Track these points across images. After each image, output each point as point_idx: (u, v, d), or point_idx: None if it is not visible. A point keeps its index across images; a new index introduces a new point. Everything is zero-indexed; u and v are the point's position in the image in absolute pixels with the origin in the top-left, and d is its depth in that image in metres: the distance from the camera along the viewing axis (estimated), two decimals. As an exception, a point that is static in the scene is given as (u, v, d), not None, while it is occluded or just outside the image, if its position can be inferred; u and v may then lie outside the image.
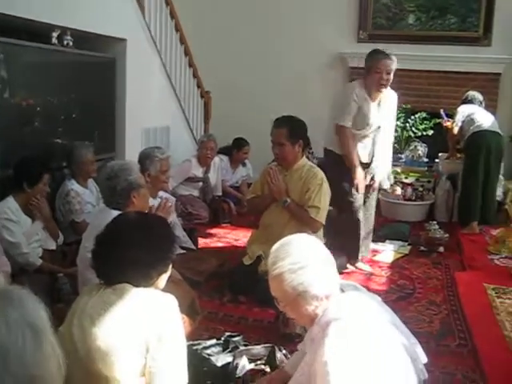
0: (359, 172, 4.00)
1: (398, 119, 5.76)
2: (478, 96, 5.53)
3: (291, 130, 3.57)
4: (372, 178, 4.19)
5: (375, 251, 4.75)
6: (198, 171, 5.70)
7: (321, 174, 3.65)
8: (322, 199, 3.58)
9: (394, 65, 3.83)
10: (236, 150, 6.29)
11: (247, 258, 3.76)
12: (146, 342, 1.57)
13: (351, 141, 3.96)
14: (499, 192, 5.94)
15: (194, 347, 2.59)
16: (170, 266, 1.80)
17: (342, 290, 1.84)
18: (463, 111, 5.42)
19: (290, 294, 1.74)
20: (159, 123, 5.86)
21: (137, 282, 1.66)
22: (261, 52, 7.27)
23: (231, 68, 7.31)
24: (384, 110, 4.03)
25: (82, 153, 3.99)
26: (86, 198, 3.96)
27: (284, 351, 2.52)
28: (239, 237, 5.14)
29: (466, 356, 2.93)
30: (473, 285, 3.40)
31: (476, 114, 5.33)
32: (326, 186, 3.62)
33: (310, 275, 1.73)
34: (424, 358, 1.88)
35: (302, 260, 1.74)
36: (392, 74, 3.83)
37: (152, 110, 5.63)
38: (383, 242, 5.02)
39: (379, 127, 4.06)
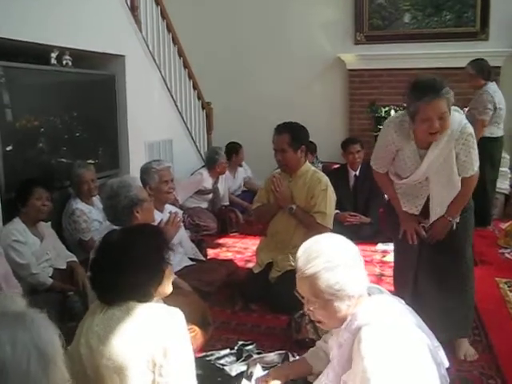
0: (405, 218, 2.94)
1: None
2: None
3: (293, 135, 3.56)
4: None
5: (385, 252, 4.73)
6: (209, 183, 5.76)
7: (325, 178, 3.64)
8: (328, 204, 3.57)
9: (447, 104, 2.55)
10: (235, 155, 6.36)
11: (257, 266, 3.76)
12: (152, 357, 1.57)
13: (385, 184, 3.02)
14: (506, 185, 5.93)
15: (208, 358, 2.59)
16: (170, 271, 1.78)
17: (368, 294, 1.82)
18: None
19: (325, 293, 1.71)
20: (162, 137, 5.88)
21: (137, 300, 1.66)
22: (259, 59, 7.31)
23: (231, 78, 7.35)
24: (435, 155, 2.70)
25: (81, 172, 4.01)
26: (92, 215, 3.97)
27: (297, 357, 2.51)
28: (248, 245, 5.14)
29: (482, 352, 2.90)
30: (484, 279, 3.38)
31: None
32: (330, 190, 3.61)
33: (345, 274, 1.70)
34: (446, 363, 1.86)
35: (336, 258, 1.72)
36: (449, 117, 2.57)
37: (154, 124, 5.66)
38: (392, 241, 4.99)
39: (427, 178, 2.81)
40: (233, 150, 6.39)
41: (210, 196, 5.83)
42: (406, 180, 2.83)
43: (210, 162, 5.79)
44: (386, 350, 1.62)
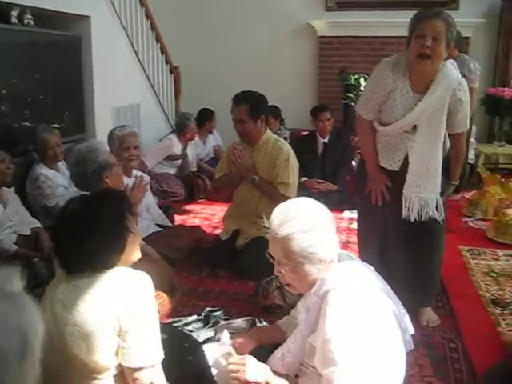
0: (374, 176, 2.85)
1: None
2: None
3: (252, 106, 3.49)
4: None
5: (351, 219, 4.78)
6: (178, 149, 5.71)
7: (286, 147, 3.60)
8: (291, 174, 3.54)
9: (444, 28, 2.52)
10: (208, 122, 6.31)
11: (224, 233, 3.76)
12: (118, 322, 1.55)
13: (367, 134, 2.86)
14: (472, 155, 6.02)
15: (175, 324, 2.59)
16: (134, 238, 1.75)
17: (339, 260, 1.83)
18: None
19: (298, 255, 1.71)
20: (129, 101, 5.77)
21: (100, 268, 1.64)
22: (228, 24, 7.20)
23: (198, 42, 7.23)
24: (431, 102, 2.62)
25: (45, 136, 3.89)
26: (57, 181, 3.88)
27: (264, 323, 2.53)
28: (215, 211, 5.13)
29: (444, 317, 2.98)
30: (448, 247, 3.43)
31: None
32: (292, 160, 3.57)
33: (319, 237, 1.70)
34: (411, 329, 1.90)
35: (312, 221, 1.71)
36: (443, 44, 2.52)
37: (121, 87, 5.54)
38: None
39: (415, 127, 2.69)
40: (206, 116, 6.32)
41: (179, 162, 5.79)
42: (392, 126, 2.70)
43: (180, 128, 5.72)
44: (350, 313, 1.64)
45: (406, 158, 2.75)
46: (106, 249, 1.64)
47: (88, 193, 2.48)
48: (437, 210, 2.74)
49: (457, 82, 2.65)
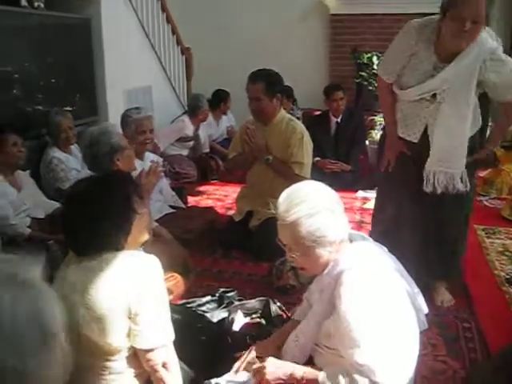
0: (390, 141, 2.78)
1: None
2: None
3: (268, 83, 3.46)
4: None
5: (365, 199, 4.76)
6: (190, 130, 5.70)
7: (300, 126, 3.59)
8: (305, 154, 3.52)
9: (486, 6, 2.30)
10: (223, 103, 6.30)
11: (237, 214, 3.77)
12: (128, 305, 1.57)
13: (386, 97, 2.76)
14: (487, 134, 5.94)
15: (189, 305, 2.61)
16: (142, 220, 1.75)
17: (351, 241, 1.83)
18: None
19: (307, 239, 1.71)
20: (141, 83, 5.76)
21: (107, 249, 1.65)
22: (239, 3, 7.12)
23: (209, 22, 7.17)
24: (455, 72, 2.45)
25: (58, 120, 3.91)
26: (70, 164, 3.90)
27: (278, 304, 2.54)
28: (228, 192, 5.14)
29: (458, 296, 2.97)
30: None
31: None
32: (306, 139, 3.55)
33: (327, 220, 1.70)
34: (425, 309, 1.90)
35: (318, 205, 1.71)
36: (482, 27, 2.34)
37: (132, 70, 5.52)
38: (373, 189, 5.01)
39: (434, 95, 2.53)
40: (221, 97, 6.32)
41: (191, 143, 5.79)
42: (410, 91, 2.56)
43: (193, 109, 5.71)
44: (365, 293, 1.65)
45: (426, 130, 2.62)
46: (113, 230, 1.65)
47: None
48: (461, 182, 2.62)
49: (489, 52, 2.44)
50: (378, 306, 1.65)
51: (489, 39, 2.46)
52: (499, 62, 2.47)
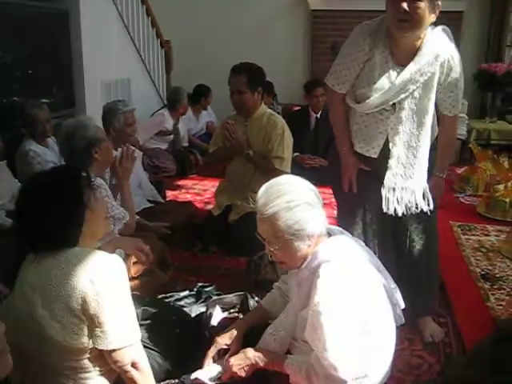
0: (347, 159, 2.47)
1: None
2: None
3: (251, 77, 3.46)
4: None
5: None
6: (170, 124, 5.68)
7: (281, 121, 3.59)
8: (286, 149, 3.53)
9: None
10: (204, 98, 6.30)
11: (216, 209, 3.75)
12: (83, 301, 1.54)
13: (338, 110, 2.46)
14: (463, 131, 6.02)
15: (167, 300, 2.60)
16: (96, 214, 1.74)
17: (329, 235, 1.84)
18: None
19: (285, 233, 1.71)
20: (119, 76, 5.71)
21: (60, 244, 1.63)
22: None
23: (189, 16, 7.13)
24: (413, 74, 2.21)
25: (34, 112, 3.84)
26: (46, 157, 3.83)
27: (256, 298, 2.53)
28: (207, 187, 5.13)
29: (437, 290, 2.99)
30: (440, 223, 3.44)
31: None
32: (287, 133, 3.56)
33: (305, 213, 1.71)
34: (402, 304, 1.92)
35: (296, 198, 1.71)
36: (424, 5, 2.08)
37: (111, 62, 5.47)
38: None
39: (394, 105, 2.29)
40: (202, 92, 6.33)
41: (171, 137, 5.77)
42: (369, 101, 2.27)
43: (173, 103, 5.68)
44: (341, 286, 1.67)
45: (387, 144, 2.35)
46: (64, 226, 1.63)
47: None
48: (424, 199, 2.36)
49: (448, 54, 2.24)
50: (353, 300, 1.67)
51: (445, 38, 2.25)
52: (456, 66, 2.27)
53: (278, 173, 3.33)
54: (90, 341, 1.58)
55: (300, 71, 7.10)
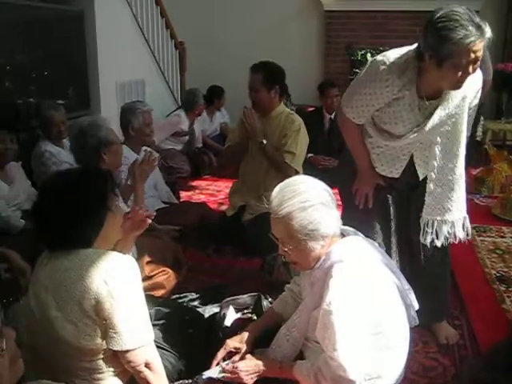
0: (366, 176, 2.40)
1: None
2: None
3: (266, 75, 3.49)
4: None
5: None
6: (185, 125, 5.71)
7: (298, 120, 3.59)
8: (299, 145, 3.53)
9: (484, 45, 1.96)
10: (218, 99, 6.31)
11: (230, 209, 3.76)
12: (96, 302, 1.54)
13: (356, 137, 2.38)
14: (479, 132, 5.96)
15: (181, 300, 2.60)
16: (115, 217, 1.74)
17: (343, 235, 1.84)
18: None
19: (299, 233, 1.72)
20: (134, 77, 5.74)
21: (76, 244, 1.63)
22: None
23: (203, 18, 7.15)
24: (447, 110, 2.15)
25: (50, 114, 3.87)
26: (62, 157, 3.86)
27: (270, 299, 2.52)
28: (221, 188, 5.14)
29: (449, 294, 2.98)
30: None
31: None
32: (303, 132, 3.57)
33: (319, 214, 1.71)
34: (416, 305, 1.91)
35: (310, 198, 1.72)
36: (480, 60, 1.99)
37: (126, 63, 5.50)
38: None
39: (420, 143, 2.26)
40: (216, 94, 6.36)
41: (186, 138, 5.80)
42: (400, 141, 2.21)
43: (189, 104, 5.71)
44: (353, 285, 1.67)
45: (411, 162, 2.33)
46: (84, 226, 1.64)
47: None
48: (463, 230, 2.31)
49: (476, 90, 2.20)
50: (365, 300, 1.67)
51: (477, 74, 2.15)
52: (480, 91, 2.23)
53: (287, 167, 3.38)
54: (104, 341, 1.58)
55: (314, 72, 7.08)
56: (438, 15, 1.94)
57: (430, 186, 2.27)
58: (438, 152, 2.23)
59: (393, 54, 2.15)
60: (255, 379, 1.86)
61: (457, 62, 1.93)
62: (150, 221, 2.15)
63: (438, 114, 2.14)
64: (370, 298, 1.68)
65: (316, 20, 7.08)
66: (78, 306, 1.55)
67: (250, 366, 1.86)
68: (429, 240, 2.31)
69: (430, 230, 2.30)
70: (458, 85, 2.04)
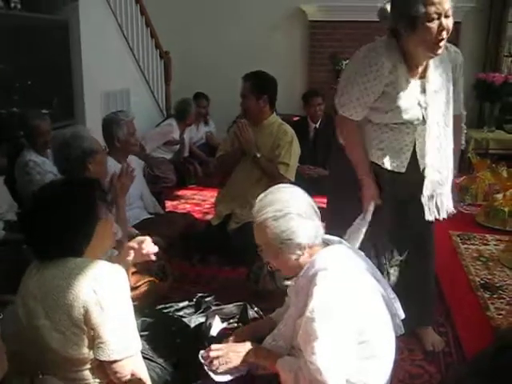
0: (371, 187, 2.35)
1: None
2: None
3: (256, 83, 3.56)
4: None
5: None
6: (177, 134, 5.73)
7: (290, 130, 3.65)
8: (292, 156, 3.59)
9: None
10: (195, 105, 6.30)
11: (215, 218, 3.75)
12: (85, 311, 1.53)
13: (355, 136, 2.37)
14: (462, 141, 6.01)
15: (166, 310, 2.59)
16: (106, 226, 1.73)
17: (327, 244, 1.85)
18: None
19: (274, 241, 1.74)
20: (119, 86, 5.73)
21: (67, 253, 1.63)
22: (218, 9, 7.12)
23: (188, 27, 7.16)
24: (434, 86, 2.23)
25: (36, 124, 3.85)
26: (46, 167, 3.83)
27: (256, 309, 2.52)
28: (206, 197, 5.14)
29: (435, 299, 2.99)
30: (438, 232, 3.45)
31: None
32: (295, 143, 3.62)
33: (293, 223, 1.72)
34: (402, 314, 1.92)
35: (285, 208, 1.73)
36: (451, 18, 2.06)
37: (110, 73, 5.49)
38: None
39: (421, 119, 2.27)
40: (194, 98, 6.33)
41: (177, 147, 5.81)
42: (392, 118, 2.25)
43: (181, 114, 5.74)
44: (336, 292, 1.67)
45: (413, 156, 2.34)
46: (74, 236, 1.63)
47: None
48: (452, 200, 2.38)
49: (455, 51, 2.33)
50: (348, 307, 1.67)
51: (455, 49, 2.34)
52: (462, 68, 2.36)
53: (281, 178, 3.41)
54: (91, 351, 1.57)
55: (299, 81, 7.12)
56: None
57: (427, 159, 2.28)
58: (433, 126, 2.25)
59: (373, 44, 2.24)
60: (241, 358, 1.87)
61: (428, 17, 2.01)
62: (154, 257, 2.12)
63: (432, 82, 2.20)
64: (353, 305, 1.68)
65: (300, 30, 7.12)
66: (66, 314, 1.54)
67: (240, 346, 1.89)
68: (432, 217, 2.34)
69: (432, 206, 2.33)
70: (438, 45, 2.08)
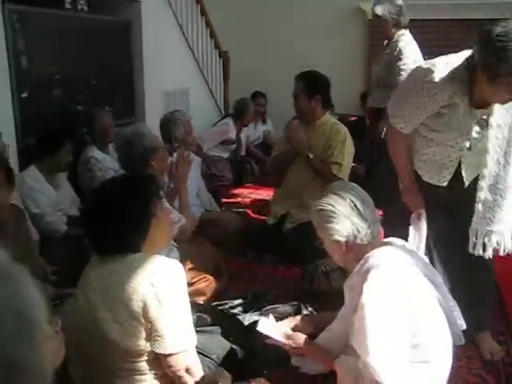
0: (413, 193, 2.41)
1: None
2: None
3: (308, 83, 3.54)
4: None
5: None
6: (233, 134, 5.78)
7: (344, 129, 3.60)
8: (346, 156, 3.53)
9: None
10: (253, 103, 6.34)
11: (271, 218, 3.76)
12: (144, 304, 1.57)
13: (402, 147, 2.38)
14: None
15: (221, 307, 2.62)
16: (161, 222, 1.77)
17: (387, 244, 1.88)
18: None
19: (321, 232, 1.85)
20: (178, 86, 5.82)
21: (125, 249, 1.67)
22: (276, 8, 7.11)
23: (247, 27, 7.18)
24: (498, 120, 2.15)
25: (102, 118, 3.98)
26: (107, 164, 3.95)
27: (310, 309, 2.53)
28: (263, 196, 5.15)
29: (495, 310, 2.90)
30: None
31: None
32: (349, 142, 3.57)
33: (336, 220, 1.79)
34: (463, 325, 1.88)
35: (331, 204, 1.81)
36: None
37: (170, 72, 5.58)
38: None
39: (468, 147, 2.21)
40: (251, 96, 6.40)
41: (234, 146, 5.86)
42: (454, 136, 2.18)
43: (239, 113, 5.78)
44: (387, 290, 1.66)
45: (457, 170, 2.28)
46: (130, 232, 1.68)
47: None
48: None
49: None
50: (400, 307, 1.66)
51: None
52: None
53: (334, 179, 3.36)
54: (148, 344, 1.61)
55: (357, 81, 7.04)
56: (497, 32, 1.87)
57: (481, 194, 2.22)
58: (489, 160, 2.18)
59: (439, 63, 2.13)
60: (300, 354, 2.04)
61: (509, 87, 1.92)
62: None
63: (490, 122, 2.13)
64: (405, 305, 1.66)
65: (360, 29, 7.03)
66: (125, 307, 1.58)
67: (303, 339, 2.03)
68: (477, 252, 2.26)
69: (479, 242, 2.25)
70: (507, 101, 2.04)
